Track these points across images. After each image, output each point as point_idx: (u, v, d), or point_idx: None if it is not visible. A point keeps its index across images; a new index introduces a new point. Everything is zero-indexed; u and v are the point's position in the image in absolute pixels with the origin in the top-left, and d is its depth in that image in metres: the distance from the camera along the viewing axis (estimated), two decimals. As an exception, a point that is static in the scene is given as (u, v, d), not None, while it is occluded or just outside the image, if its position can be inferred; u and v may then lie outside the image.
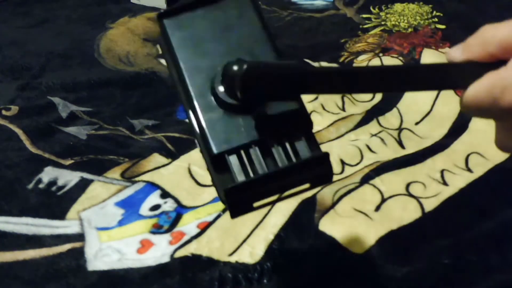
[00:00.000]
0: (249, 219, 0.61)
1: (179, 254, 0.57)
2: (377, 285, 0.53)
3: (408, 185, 0.65)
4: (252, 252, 0.56)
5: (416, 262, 0.55)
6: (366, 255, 0.56)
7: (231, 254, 0.57)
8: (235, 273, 0.54)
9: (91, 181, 0.67)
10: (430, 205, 0.62)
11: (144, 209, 0.63)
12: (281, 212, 0.61)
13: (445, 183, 0.66)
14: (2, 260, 0.57)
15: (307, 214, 0.61)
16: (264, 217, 0.61)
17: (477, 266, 0.54)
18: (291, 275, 0.54)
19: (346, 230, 0.58)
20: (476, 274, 0.54)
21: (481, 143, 0.73)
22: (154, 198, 0.64)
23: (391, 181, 0.66)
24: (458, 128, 0.77)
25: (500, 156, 0.71)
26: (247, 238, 0.59)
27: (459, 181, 0.66)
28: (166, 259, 0.57)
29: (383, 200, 0.63)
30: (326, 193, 0.64)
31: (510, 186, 0.66)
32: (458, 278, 0.53)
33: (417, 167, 0.68)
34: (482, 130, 0.76)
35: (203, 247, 0.58)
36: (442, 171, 0.68)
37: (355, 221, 0.60)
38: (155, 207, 0.63)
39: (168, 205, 0.63)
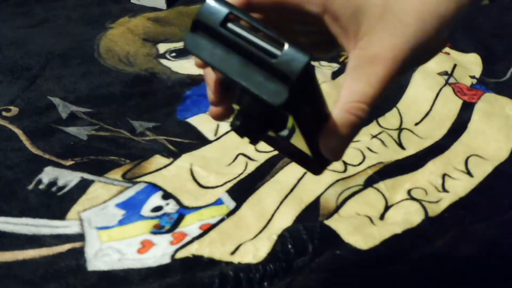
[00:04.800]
0: (253, 224, 0.61)
1: (180, 254, 0.57)
2: (381, 280, 0.53)
3: (410, 191, 0.65)
4: (255, 253, 0.56)
5: (420, 261, 0.55)
6: (371, 251, 0.56)
7: (233, 253, 0.57)
8: (236, 272, 0.54)
9: (92, 181, 0.67)
10: (433, 210, 0.63)
11: (146, 210, 0.63)
12: (285, 216, 0.61)
13: (445, 190, 0.66)
14: (2, 260, 0.57)
15: (311, 217, 0.61)
16: (268, 222, 0.61)
17: (480, 268, 0.54)
18: (293, 279, 0.53)
19: (351, 229, 0.58)
20: (478, 275, 0.54)
21: (480, 143, 0.73)
22: (155, 199, 0.64)
23: (394, 188, 0.66)
24: (458, 128, 0.77)
25: (498, 157, 0.71)
26: (250, 240, 0.59)
27: (459, 186, 0.66)
28: (166, 259, 0.57)
29: (387, 208, 0.63)
30: (330, 195, 0.64)
31: (508, 188, 0.66)
32: (459, 279, 0.54)
33: (419, 172, 0.68)
34: (481, 130, 0.76)
35: (204, 248, 0.58)
36: (443, 176, 0.68)
37: (359, 222, 0.60)
38: (157, 209, 0.63)
39: (170, 207, 0.63)
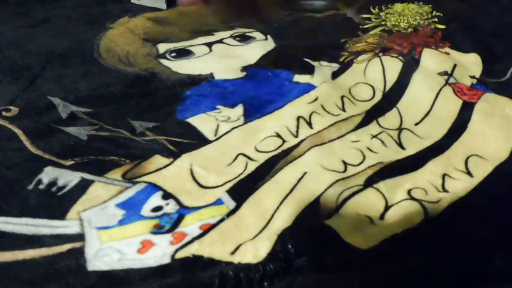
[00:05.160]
0: (253, 224, 0.61)
1: (180, 255, 0.57)
2: (381, 280, 0.53)
3: (410, 191, 0.65)
4: (255, 253, 0.56)
5: (420, 261, 0.55)
6: (371, 251, 0.56)
7: (233, 253, 0.57)
8: (236, 272, 0.54)
9: (92, 181, 0.67)
10: (433, 210, 0.63)
11: (146, 210, 0.63)
12: (285, 216, 0.61)
13: (445, 190, 0.66)
14: (2, 260, 0.57)
15: (311, 217, 0.61)
16: (268, 222, 0.61)
17: (480, 268, 0.54)
18: (293, 279, 0.53)
19: (351, 229, 0.58)
20: (477, 275, 0.54)
21: (480, 143, 0.73)
22: (155, 199, 0.64)
23: (394, 188, 0.66)
24: (458, 128, 0.77)
25: (498, 157, 0.71)
26: (250, 240, 0.59)
27: (459, 186, 0.66)
28: (166, 259, 0.57)
29: (387, 208, 0.63)
30: (330, 195, 0.64)
31: (508, 188, 0.66)
32: (459, 279, 0.53)
33: (419, 172, 0.68)
34: (481, 130, 0.76)
35: (204, 248, 0.58)
36: (443, 176, 0.68)
37: (359, 222, 0.60)
38: (157, 209, 0.63)
39: (170, 207, 0.63)
